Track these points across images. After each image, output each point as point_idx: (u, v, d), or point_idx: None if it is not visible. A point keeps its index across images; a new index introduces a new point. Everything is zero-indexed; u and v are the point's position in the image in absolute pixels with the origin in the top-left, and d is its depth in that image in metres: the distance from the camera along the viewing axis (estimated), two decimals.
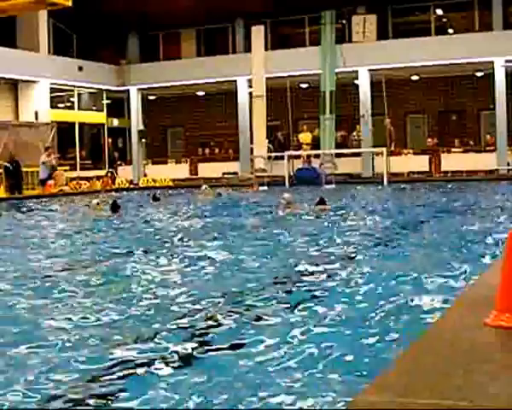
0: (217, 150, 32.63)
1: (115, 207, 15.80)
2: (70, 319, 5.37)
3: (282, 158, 27.22)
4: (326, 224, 12.27)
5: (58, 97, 30.13)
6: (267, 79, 27.31)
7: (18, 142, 25.83)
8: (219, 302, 5.82)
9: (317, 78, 28.90)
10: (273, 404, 3.53)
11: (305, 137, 29.71)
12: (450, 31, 30.02)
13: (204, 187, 21.49)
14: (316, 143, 29.08)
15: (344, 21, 30.03)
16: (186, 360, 4.24)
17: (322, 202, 15.97)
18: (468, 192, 20.02)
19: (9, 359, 4.41)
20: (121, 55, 33.11)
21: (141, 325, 5.15)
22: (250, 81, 28.71)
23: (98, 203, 16.47)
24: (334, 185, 23.68)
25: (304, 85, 30.84)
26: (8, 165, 24.51)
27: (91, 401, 3.68)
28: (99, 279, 7.18)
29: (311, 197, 17.57)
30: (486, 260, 7.32)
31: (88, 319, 5.39)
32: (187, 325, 5.07)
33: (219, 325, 5.06)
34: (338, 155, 28.28)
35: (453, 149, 28.48)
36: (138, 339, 4.76)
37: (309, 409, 3.48)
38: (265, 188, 24.58)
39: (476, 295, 4.14)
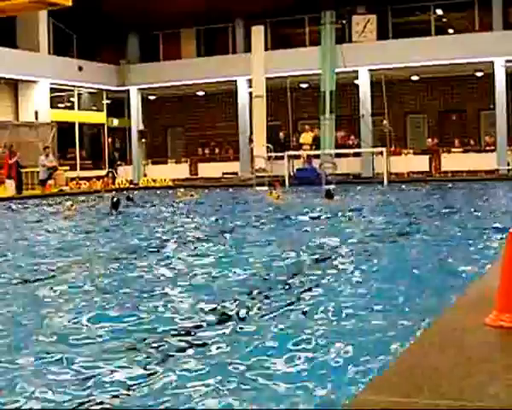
0: (217, 150, 32.63)
1: (116, 205, 15.93)
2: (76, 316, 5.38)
3: (282, 158, 27.22)
4: None
5: (58, 97, 30.13)
6: (267, 79, 27.30)
7: (18, 142, 25.82)
8: None
9: (317, 78, 28.90)
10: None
11: (306, 137, 29.70)
12: (451, 31, 30.02)
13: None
14: (317, 144, 29.08)
15: (344, 21, 30.02)
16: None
17: (329, 194, 16.86)
18: (467, 192, 20.03)
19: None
20: (121, 55, 33.10)
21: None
22: (250, 81, 28.70)
23: (72, 204, 16.47)
24: (334, 185, 23.66)
25: (304, 85, 30.84)
26: None
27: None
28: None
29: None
30: (487, 259, 7.31)
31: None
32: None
33: None
34: (338, 155, 28.30)
35: (453, 149, 28.49)
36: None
37: (308, 409, 3.48)
38: (266, 188, 24.55)
39: (476, 296, 4.14)
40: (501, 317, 3.32)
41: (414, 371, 2.79)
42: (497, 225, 10.98)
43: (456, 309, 3.96)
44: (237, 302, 5.72)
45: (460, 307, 3.97)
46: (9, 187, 24.52)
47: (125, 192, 23.09)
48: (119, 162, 31.07)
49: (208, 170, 31.02)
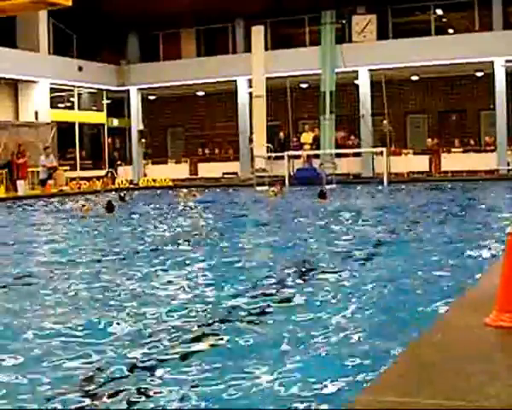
0: (217, 150, 32.63)
1: (110, 208, 16.08)
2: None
3: (282, 158, 27.21)
4: None
5: (58, 97, 30.11)
6: (267, 79, 27.30)
7: (18, 142, 25.81)
8: None
9: (317, 78, 28.90)
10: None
11: (306, 137, 29.71)
12: (451, 31, 30.01)
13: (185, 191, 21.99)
14: (317, 144, 29.09)
15: (344, 21, 30.01)
16: None
17: (323, 195, 17.04)
18: (467, 192, 20.04)
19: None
20: (121, 55, 33.09)
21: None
22: (250, 81, 28.70)
23: (84, 205, 16.88)
24: (334, 185, 23.69)
25: (304, 85, 30.84)
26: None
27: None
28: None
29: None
30: (487, 259, 7.31)
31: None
32: None
33: None
34: (338, 155, 28.30)
35: (453, 149, 28.48)
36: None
37: (308, 409, 3.48)
38: (266, 188, 24.57)
39: (476, 295, 4.14)
40: (501, 317, 3.32)
41: (414, 371, 2.79)
42: (497, 224, 10.99)
43: (457, 309, 3.96)
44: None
45: (460, 307, 3.97)
46: (20, 187, 24.55)
47: (113, 192, 23.01)
48: (119, 162, 31.08)
49: (208, 170, 31.01)
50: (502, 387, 2.53)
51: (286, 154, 27.27)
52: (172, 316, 5.41)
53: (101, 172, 29.77)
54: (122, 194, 20.68)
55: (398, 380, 2.69)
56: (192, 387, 3.80)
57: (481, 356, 2.93)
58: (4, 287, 6.96)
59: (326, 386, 3.71)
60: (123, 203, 18.99)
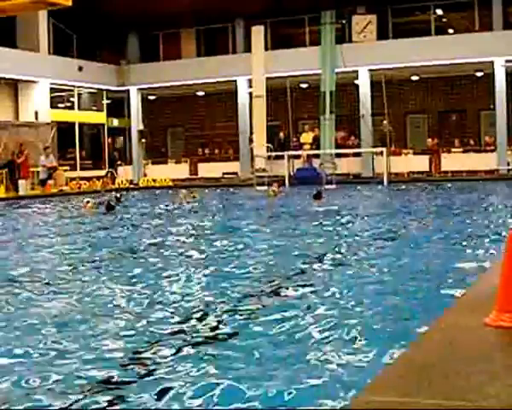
0: (217, 150, 32.64)
1: (110, 207, 16.31)
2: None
3: (282, 158, 27.23)
4: None
5: (58, 97, 30.12)
6: (267, 79, 27.32)
7: (18, 142, 25.82)
8: None
9: (317, 78, 28.92)
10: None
11: (306, 137, 29.73)
12: (451, 31, 30.02)
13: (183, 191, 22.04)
14: (317, 144, 29.11)
15: (344, 21, 30.03)
16: None
17: (318, 195, 17.16)
18: (467, 192, 20.04)
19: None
20: (121, 55, 33.10)
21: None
22: (250, 81, 28.72)
23: (88, 202, 17.03)
24: (334, 185, 23.70)
25: (304, 85, 30.85)
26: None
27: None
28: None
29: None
30: (487, 259, 7.30)
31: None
32: None
33: None
34: (338, 155, 28.31)
35: (453, 149, 28.50)
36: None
37: (308, 409, 3.48)
38: (266, 188, 24.57)
39: (476, 295, 4.13)
40: (501, 317, 3.32)
41: (414, 371, 2.79)
42: (497, 224, 10.98)
43: (457, 309, 3.96)
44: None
45: (460, 307, 3.97)
46: (21, 187, 24.54)
47: (113, 192, 22.99)
48: (119, 162, 31.09)
49: (208, 170, 31.04)
50: (501, 387, 2.53)
51: (286, 154, 27.29)
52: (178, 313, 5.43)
53: (101, 172, 29.79)
54: (118, 195, 20.73)
55: (398, 380, 2.69)
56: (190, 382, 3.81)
57: (481, 356, 2.93)
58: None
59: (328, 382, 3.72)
60: (119, 204, 18.97)
